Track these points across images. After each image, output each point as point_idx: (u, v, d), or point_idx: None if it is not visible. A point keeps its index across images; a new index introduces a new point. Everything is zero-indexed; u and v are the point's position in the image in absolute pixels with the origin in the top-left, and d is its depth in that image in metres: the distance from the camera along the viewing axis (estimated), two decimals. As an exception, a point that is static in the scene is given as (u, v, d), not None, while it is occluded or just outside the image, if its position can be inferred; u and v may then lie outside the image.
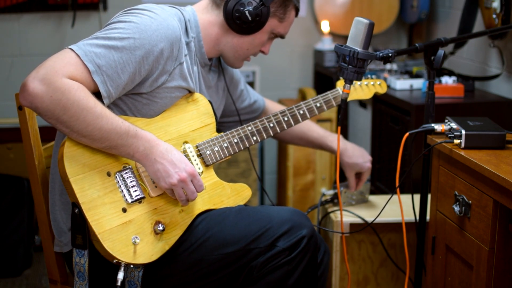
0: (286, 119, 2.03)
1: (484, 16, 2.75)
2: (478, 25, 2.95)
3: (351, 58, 1.81)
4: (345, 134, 3.56)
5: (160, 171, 1.68)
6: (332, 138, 2.26)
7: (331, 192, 2.47)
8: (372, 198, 2.53)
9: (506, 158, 1.79)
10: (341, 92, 2.10)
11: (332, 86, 2.18)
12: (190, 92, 1.86)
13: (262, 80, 3.69)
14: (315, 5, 3.73)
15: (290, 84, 3.85)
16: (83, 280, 1.72)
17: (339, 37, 3.76)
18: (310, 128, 2.27)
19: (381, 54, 1.85)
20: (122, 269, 1.65)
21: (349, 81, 1.85)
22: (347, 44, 1.84)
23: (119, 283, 1.64)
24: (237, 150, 1.93)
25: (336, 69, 3.46)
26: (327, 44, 3.66)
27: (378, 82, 2.28)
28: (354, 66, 1.81)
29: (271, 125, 2.00)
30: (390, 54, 1.86)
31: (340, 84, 2.17)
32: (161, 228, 1.70)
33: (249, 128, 1.96)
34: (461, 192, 1.88)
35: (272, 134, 2.00)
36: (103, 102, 1.65)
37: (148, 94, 1.76)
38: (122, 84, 1.67)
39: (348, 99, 2.10)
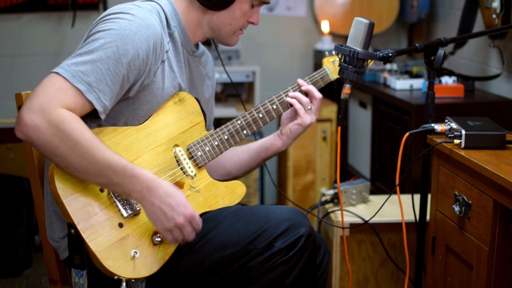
0: (275, 107, 1.98)
1: (484, 16, 2.75)
2: (478, 25, 2.95)
3: (351, 58, 1.81)
4: (345, 134, 3.56)
5: (157, 214, 1.64)
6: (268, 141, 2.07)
7: (331, 192, 2.47)
8: (372, 198, 2.53)
9: (506, 158, 1.79)
10: (328, 72, 2.06)
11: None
12: (178, 86, 1.82)
13: (262, 80, 3.69)
14: (315, 5, 3.73)
15: (290, 84, 3.82)
16: None
17: (339, 37, 3.76)
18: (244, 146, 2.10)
19: (381, 54, 1.85)
20: (124, 285, 1.63)
21: (349, 81, 1.85)
22: (347, 44, 1.84)
23: None
24: (228, 147, 1.90)
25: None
26: (327, 44, 3.66)
27: None
28: (354, 66, 1.81)
29: (260, 115, 1.95)
30: (390, 54, 1.86)
31: (326, 62, 2.10)
32: (159, 239, 1.68)
33: (239, 122, 1.92)
34: (461, 192, 1.88)
35: (262, 125, 1.96)
36: (99, 118, 1.63)
37: (134, 99, 1.72)
38: (115, 95, 1.64)
39: (335, 77, 2.06)
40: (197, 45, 1.93)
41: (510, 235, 1.75)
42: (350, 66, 1.82)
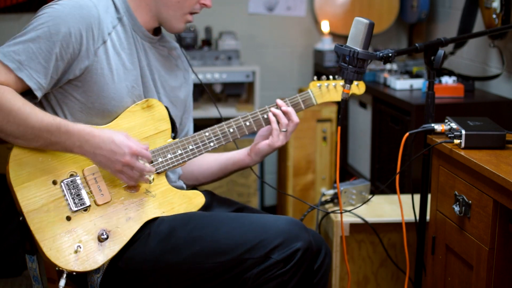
0: (248, 124, 1.96)
1: (484, 16, 2.75)
2: (478, 25, 2.95)
3: (351, 58, 1.81)
4: (345, 134, 3.56)
5: (103, 162, 1.70)
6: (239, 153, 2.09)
7: (331, 192, 2.47)
8: (372, 198, 2.53)
9: (506, 158, 1.79)
10: (312, 95, 2.05)
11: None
12: (128, 69, 1.81)
13: (262, 80, 3.69)
14: (315, 5, 3.73)
15: (290, 84, 3.85)
16: (38, 284, 1.76)
17: (339, 37, 3.76)
18: (219, 154, 2.12)
19: (381, 54, 1.85)
20: (64, 276, 1.67)
21: (349, 81, 1.85)
22: (347, 44, 1.84)
23: None
24: (192, 157, 1.89)
25: (336, 69, 3.46)
26: (327, 44, 3.66)
27: (356, 83, 2.15)
28: (354, 66, 1.81)
29: (231, 130, 1.94)
30: (390, 54, 1.86)
31: (312, 85, 2.08)
32: (105, 236, 1.70)
33: (206, 134, 1.92)
34: (461, 192, 1.88)
35: (231, 140, 1.94)
36: (36, 97, 1.67)
37: (82, 81, 1.74)
38: (49, 73, 1.68)
39: (319, 102, 2.06)
40: (156, 33, 1.92)
41: (510, 235, 1.75)
42: (350, 66, 1.82)
